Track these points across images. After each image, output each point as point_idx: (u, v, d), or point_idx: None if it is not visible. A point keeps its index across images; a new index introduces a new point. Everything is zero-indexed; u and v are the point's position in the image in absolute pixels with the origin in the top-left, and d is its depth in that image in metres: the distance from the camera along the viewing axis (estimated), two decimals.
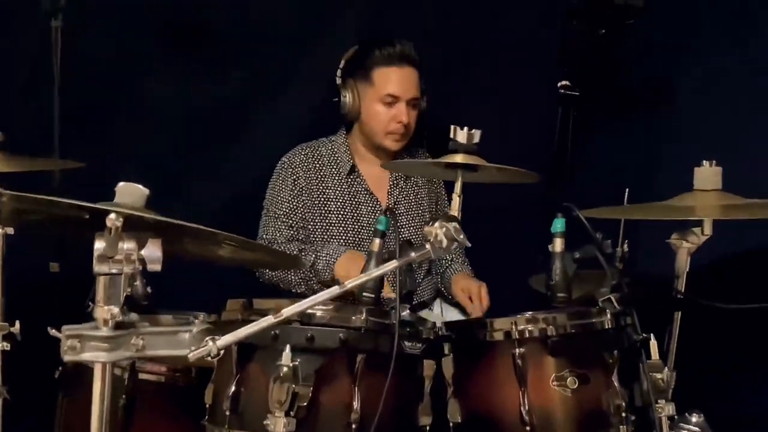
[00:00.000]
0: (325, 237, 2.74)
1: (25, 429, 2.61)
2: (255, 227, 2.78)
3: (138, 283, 2.37)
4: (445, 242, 1.62)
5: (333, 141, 2.84)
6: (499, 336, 1.86)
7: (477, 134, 1.81)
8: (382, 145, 2.73)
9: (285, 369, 1.65)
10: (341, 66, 2.74)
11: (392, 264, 1.62)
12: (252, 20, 3.11)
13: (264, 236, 2.74)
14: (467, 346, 1.93)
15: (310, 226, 2.75)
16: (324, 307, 1.78)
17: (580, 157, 2.98)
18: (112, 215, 1.37)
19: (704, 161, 2.07)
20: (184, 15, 3.02)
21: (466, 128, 1.78)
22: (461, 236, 1.59)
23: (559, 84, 2.98)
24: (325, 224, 2.75)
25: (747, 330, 2.24)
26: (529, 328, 1.83)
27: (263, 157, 3.00)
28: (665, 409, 1.84)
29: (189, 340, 1.46)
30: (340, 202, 2.76)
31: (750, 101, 2.86)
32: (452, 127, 1.83)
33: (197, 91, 3.05)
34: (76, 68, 2.66)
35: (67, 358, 1.39)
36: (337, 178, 2.78)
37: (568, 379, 1.82)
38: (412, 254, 1.62)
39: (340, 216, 2.76)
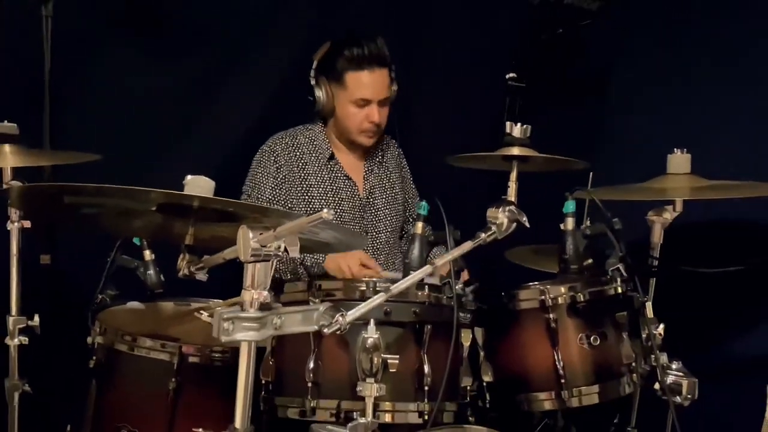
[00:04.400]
0: None
1: (49, 420, 2.64)
2: None
3: (152, 271, 2.49)
4: (506, 223, 1.88)
5: (310, 129, 2.95)
6: (533, 304, 2.14)
7: (529, 129, 2.07)
8: (356, 141, 2.88)
9: (371, 340, 1.85)
10: (314, 66, 2.83)
11: (467, 245, 1.85)
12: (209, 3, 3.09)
13: None
14: (498, 314, 2.20)
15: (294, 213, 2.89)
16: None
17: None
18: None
19: (676, 149, 2.44)
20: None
21: (519, 124, 2.04)
22: (524, 218, 1.86)
23: (507, 76, 3.31)
24: (309, 209, 2.87)
25: (712, 291, 2.64)
26: (562, 297, 2.13)
27: (222, 150, 3.07)
28: (661, 358, 2.19)
29: (317, 317, 1.64)
30: (322, 188, 2.87)
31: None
32: (508, 123, 2.08)
33: (147, 79, 3.01)
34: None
35: (224, 338, 1.53)
36: (317, 164, 2.88)
37: (592, 337, 2.14)
38: (483, 235, 1.87)
39: (323, 201, 2.85)
